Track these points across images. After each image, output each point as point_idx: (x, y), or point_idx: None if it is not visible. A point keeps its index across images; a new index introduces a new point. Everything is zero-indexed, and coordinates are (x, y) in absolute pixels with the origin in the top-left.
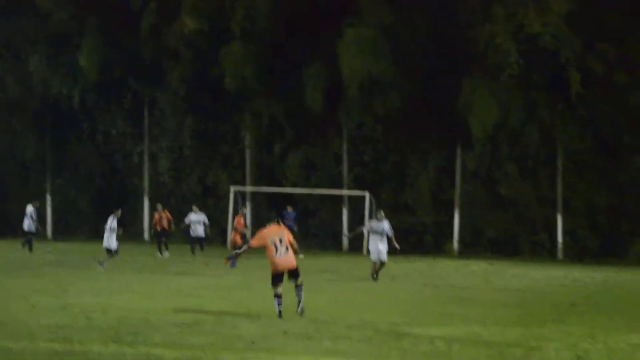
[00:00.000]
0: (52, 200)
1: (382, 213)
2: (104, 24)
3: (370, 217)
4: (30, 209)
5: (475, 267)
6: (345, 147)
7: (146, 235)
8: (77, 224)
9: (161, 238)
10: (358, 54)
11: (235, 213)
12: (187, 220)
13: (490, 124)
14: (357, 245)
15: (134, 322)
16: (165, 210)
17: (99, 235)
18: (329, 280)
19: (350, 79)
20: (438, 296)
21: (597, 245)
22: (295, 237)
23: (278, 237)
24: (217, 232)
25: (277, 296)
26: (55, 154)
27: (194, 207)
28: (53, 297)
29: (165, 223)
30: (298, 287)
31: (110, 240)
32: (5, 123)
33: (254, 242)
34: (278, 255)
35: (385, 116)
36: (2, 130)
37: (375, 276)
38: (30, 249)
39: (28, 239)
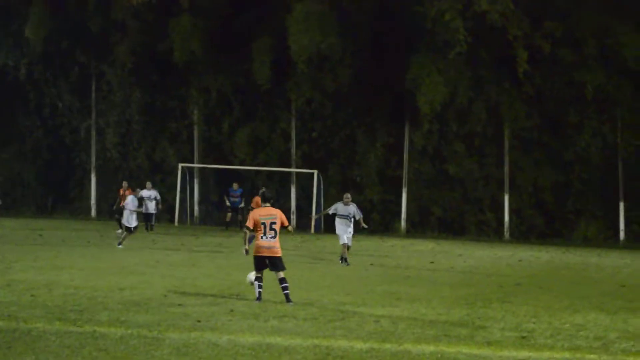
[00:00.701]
0: None
1: (349, 196)
2: None
3: (319, 195)
4: None
5: (422, 246)
6: (293, 123)
7: (93, 212)
8: (22, 199)
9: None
10: (306, 29)
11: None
12: (138, 196)
13: (438, 102)
14: (305, 224)
15: (79, 299)
16: (129, 188)
17: (44, 211)
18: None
19: (298, 55)
20: (384, 275)
21: (543, 224)
22: (241, 213)
23: (269, 220)
24: (164, 209)
25: (257, 279)
26: (1, 127)
27: (148, 183)
28: None
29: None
30: (281, 280)
31: (130, 218)
32: None
33: (249, 222)
34: (264, 238)
35: (334, 92)
36: None
37: (344, 261)
38: None
39: None
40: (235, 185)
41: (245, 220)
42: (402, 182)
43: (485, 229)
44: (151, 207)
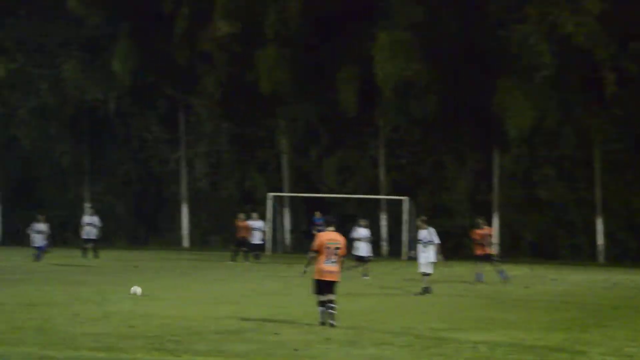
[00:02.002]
0: (91, 208)
1: (423, 219)
2: (137, 29)
3: (410, 221)
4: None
5: (515, 271)
6: (382, 150)
7: (185, 242)
8: (115, 231)
9: (240, 247)
10: (392, 56)
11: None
12: (247, 226)
13: (526, 126)
14: (396, 250)
15: (176, 329)
16: (245, 220)
17: (137, 242)
18: (368, 286)
19: (384, 82)
20: (479, 301)
21: (637, 247)
22: None
23: (334, 245)
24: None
25: (320, 304)
26: (92, 160)
27: (254, 214)
28: (94, 305)
29: (244, 232)
30: (330, 301)
31: None
32: (41, 129)
33: (316, 245)
34: (327, 263)
35: (421, 118)
36: (39, 136)
37: (425, 291)
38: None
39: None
40: (317, 214)
41: None
42: (492, 207)
43: (579, 253)
44: (258, 237)
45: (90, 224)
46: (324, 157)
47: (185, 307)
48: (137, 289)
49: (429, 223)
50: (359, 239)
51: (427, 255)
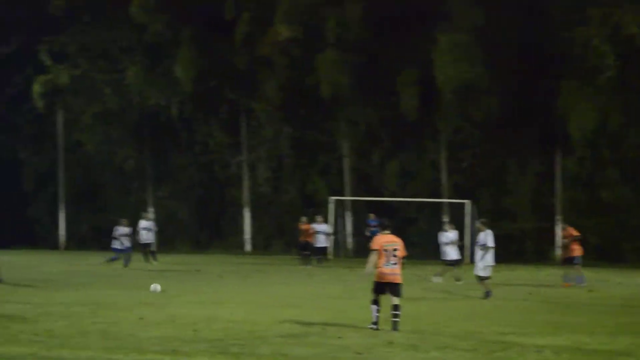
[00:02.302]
0: (154, 213)
1: (483, 221)
2: (199, 34)
3: (471, 225)
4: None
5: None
6: (442, 153)
7: (247, 246)
8: (178, 236)
9: (304, 250)
10: (452, 59)
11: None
12: (311, 230)
13: (590, 128)
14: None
15: (240, 333)
16: (307, 223)
17: (199, 246)
18: (429, 289)
19: (445, 85)
20: (542, 305)
21: None
22: None
23: (392, 247)
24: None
25: (374, 302)
26: (155, 165)
27: (318, 217)
28: (159, 309)
29: (307, 236)
30: (394, 307)
31: None
32: (104, 134)
33: (374, 245)
34: (386, 265)
35: (483, 121)
36: (102, 142)
37: (486, 295)
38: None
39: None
40: (372, 216)
41: None
42: (555, 210)
43: None
44: (322, 240)
45: (145, 229)
46: (385, 161)
47: (249, 311)
48: (156, 287)
49: (492, 226)
50: (446, 244)
51: (484, 259)
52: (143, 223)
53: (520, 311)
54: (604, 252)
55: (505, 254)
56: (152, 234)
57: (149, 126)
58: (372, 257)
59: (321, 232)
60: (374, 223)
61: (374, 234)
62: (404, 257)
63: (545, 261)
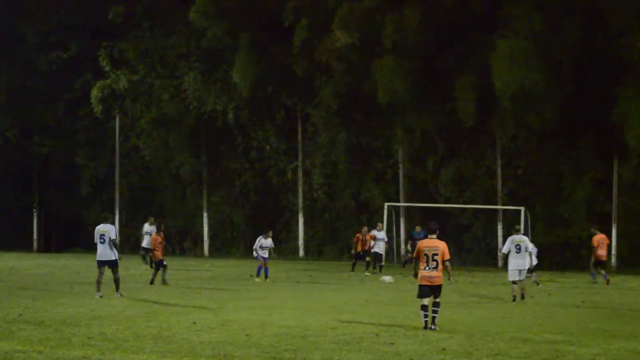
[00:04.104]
0: (208, 218)
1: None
2: (257, 40)
3: (526, 232)
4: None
5: (634, 282)
6: (499, 160)
7: (301, 252)
8: (232, 241)
9: (360, 259)
10: (510, 65)
11: (398, 228)
12: (370, 237)
13: None
14: None
15: (292, 339)
16: (368, 232)
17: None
18: (483, 296)
19: (502, 91)
20: (597, 313)
21: None
22: None
23: (432, 251)
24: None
25: (422, 308)
26: (211, 170)
27: (379, 224)
28: (212, 313)
29: (365, 245)
30: (435, 304)
31: None
32: (161, 139)
33: (415, 253)
34: (426, 269)
35: (539, 128)
36: (159, 146)
37: (514, 299)
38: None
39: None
40: (418, 228)
41: None
42: (611, 218)
43: None
44: (381, 247)
45: (149, 233)
46: (441, 167)
47: (302, 317)
48: (387, 278)
49: (545, 235)
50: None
51: (517, 263)
52: (147, 227)
53: (574, 319)
54: None
55: (560, 261)
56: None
57: (205, 132)
58: (414, 266)
59: (381, 239)
60: (419, 236)
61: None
62: (446, 260)
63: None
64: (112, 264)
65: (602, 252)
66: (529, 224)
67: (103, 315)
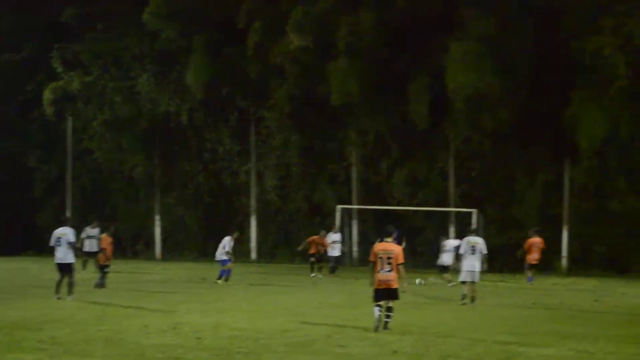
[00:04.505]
0: (161, 220)
1: (470, 230)
2: (210, 42)
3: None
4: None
5: (584, 284)
6: (451, 162)
7: (253, 254)
8: (185, 243)
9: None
10: (464, 68)
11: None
12: (329, 239)
13: (599, 138)
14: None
15: (244, 341)
16: (325, 236)
17: (206, 254)
18: (435, 298)
19: (456, 93)
20: (548, 314)
21: None
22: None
23: (387, 254)
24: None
25: (377, 305)
26: (164, 172)
27: (335, 227)
28: (163, 316)
29: (318, 248)
30: (388, 308)
31: None
32: (114, 142)
33: (371, 256)
34: (381, 272)
35: (492, 130)
36: (112, 149)
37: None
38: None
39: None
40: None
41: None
42: (562, 220)
43: None
44: (338, 250)
45: (91, 237)
46: (394, 170)
47: (254, 319)
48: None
49: (498, 236)
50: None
51: (470, 264)
52: (89, 231)
53: (525, 321)
54: (611, 262)
55: (512, 263)
56: (96, 243)
57: (158, 134)
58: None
59: (337, 242)
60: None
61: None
62: (400, 264)
63: (552, 270)
64: (68, 268)
65: (535, 256)
66: (481, 225)
67: (54, 318)
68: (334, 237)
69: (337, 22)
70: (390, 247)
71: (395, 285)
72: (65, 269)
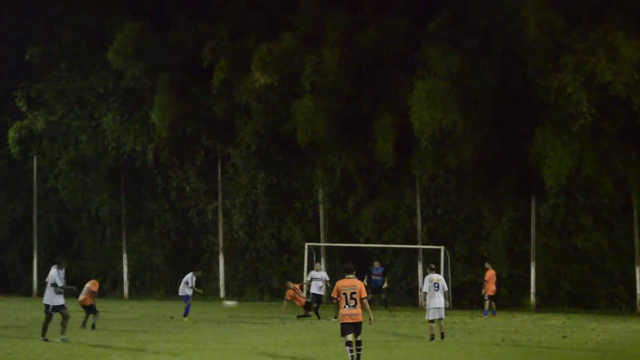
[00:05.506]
0: (128, 259)
1: (430, 267)
2: (176, 80)
3: (446, 271)
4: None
5: (553, 320)
6: (418, 200)
7: (222, 292)
8: (152, 282)
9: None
10: (428, 106)
11: (310, 269)
12: (309, 277)
13: (564, 175)
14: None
15: None
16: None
17: (174, 292)
18: (404, 336)
19: (421, 131)
20: (517, 351)
21: None
22: (384, 292)
23: (350, 290)
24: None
25: (347, 344)
26: (130, 211)
27: (317, 265)
28: (131, 355)
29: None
30: (357, 342)
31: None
32: (80, 181)
33: (334, 293)
34: (346, 307)
35: (458, 167)
36: (77, 187)
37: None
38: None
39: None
40: (376, 264)
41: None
42: (530, 256)
43: (617, 303)
44: (318, 287)
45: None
46: (361, 207)
47: (222, 358)
48: (230, 303)
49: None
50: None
51: (435, 301)
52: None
53: (493, 357)
54: (577, 299)
55: (479, 300)
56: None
57: (124, 172)
58: (336, 305)
59: (319, 279)
60: (378, 271)
61: (377, 283)
62: (363, 298)
63: (519, 307)
64: (56, 309)
65: (494, 287)
66: (449, 263)
67: (20, 358)
68: (316, 274)
69: (302, 60)
70: (353, 283)
71: (359, 319)
72: (54, 310)
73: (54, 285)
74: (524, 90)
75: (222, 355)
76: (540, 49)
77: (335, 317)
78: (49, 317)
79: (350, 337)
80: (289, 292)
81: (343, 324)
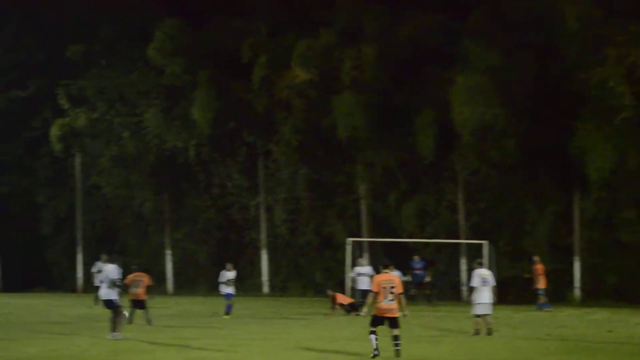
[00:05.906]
0: (172, 255)
1: (478, 262)
2: (216, 77)
3: (490, 266)
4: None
5: (598, 315)
6: (460, 195)
7: (265, 288)
8: (196, 278)
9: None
10: (469, 100)
11: (353, 265)
12: (354, 273)
13: (607, 168)
14: None
15: None
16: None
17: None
18: (448, 330)
19: (462, 126)
20: (562, 346)
21: None
22: (428, 287)
23: (389, 284)
24: (335, 284)
25: (373, 332)
26: (173, 207)
27: (361, 260)
28: (176, 351)
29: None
30: (395, 337)
31: None
32: (122, 177)
33: (373, 287)
34: (385, 301)
35: (500, 162)
36: (120, 184)
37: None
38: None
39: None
40: (416, 258)
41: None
42: (573, 251)
43: None
44: (366, 283)
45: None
46: (403, 202)
47: (267, 353)
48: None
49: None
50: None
51: (483, 296)
52: (99, 265)
53: (539, 352)
54: (622, 293)
55: (524, 295)
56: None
57: (166, 169)
58: (369, 299)
59: (364, 274)
60: (419, 265)
61: (419, 277)
62: (401, 294)
63: (564, 302)
64: (108, 305)
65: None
66: (494, 257)
67: (65, 354)
68: (362, 270)
69: (341, 56)
70: (391, 278)
71: (396, 313)
72: (106, 305)
73: (112, 280)
74: (564, 84)
75: (266, 350)
76: (580, 42)
77: (362, 312)
78: (117, 311)
79: (375, 328)
80: (336, 297)
81: (375, 317)
